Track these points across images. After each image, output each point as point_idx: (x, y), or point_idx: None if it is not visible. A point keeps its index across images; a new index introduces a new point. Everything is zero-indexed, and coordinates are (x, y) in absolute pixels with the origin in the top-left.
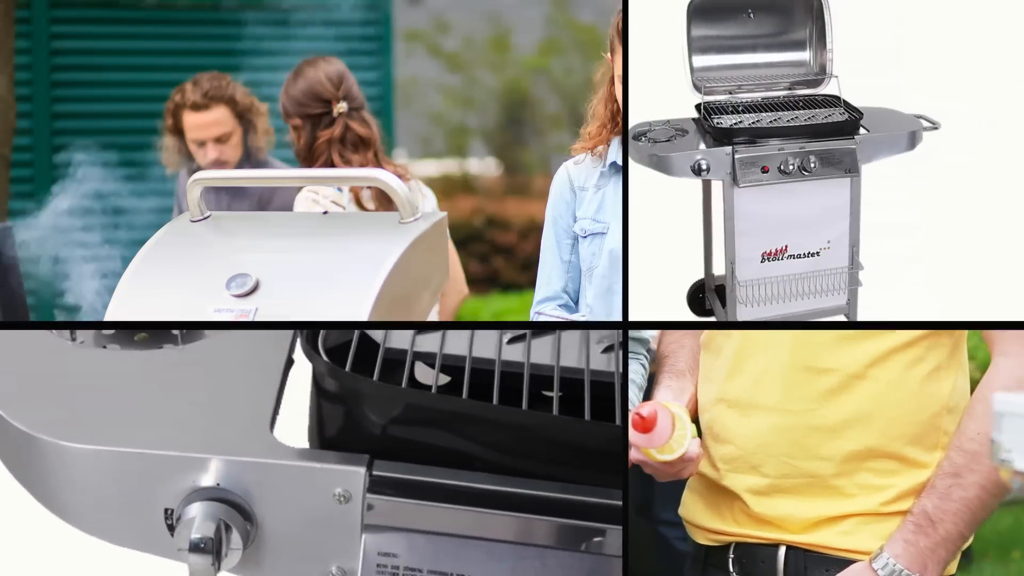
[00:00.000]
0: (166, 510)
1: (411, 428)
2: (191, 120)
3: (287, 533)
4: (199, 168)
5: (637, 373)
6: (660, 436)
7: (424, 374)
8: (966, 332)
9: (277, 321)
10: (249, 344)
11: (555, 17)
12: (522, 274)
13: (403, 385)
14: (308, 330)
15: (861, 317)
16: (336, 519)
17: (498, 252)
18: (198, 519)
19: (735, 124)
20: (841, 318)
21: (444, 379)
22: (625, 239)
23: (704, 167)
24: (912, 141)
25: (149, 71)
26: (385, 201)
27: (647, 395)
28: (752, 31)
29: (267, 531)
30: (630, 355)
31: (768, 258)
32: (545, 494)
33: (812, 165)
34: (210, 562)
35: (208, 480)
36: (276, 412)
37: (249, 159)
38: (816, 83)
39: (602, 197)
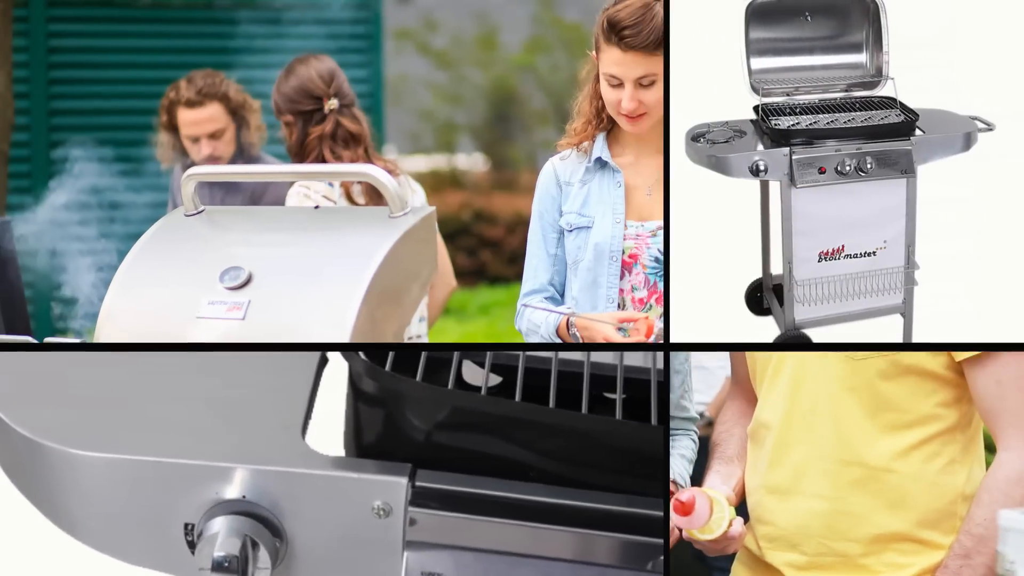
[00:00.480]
0: (186, 525)
1: (458, 434)
2: (185, 116)
3: (320, 551)
4: (193, 163)
5: (688, 448)
6: (699, 519)
7: (472, 374)
8: (981, 426)
9: (259, 343)
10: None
11: (541, 16)
12: (509, 267)
13: (449, 386)
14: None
15: (916, 316)
16: (375, 535)
17: (485, 246)
18: (221, 535)
19: (793, 125)
20: (897, 317)
21: (495, 380)
22: (667, 253)
23: (762, 168)
24: (967, 142)
25: (144, 69)
26: (375, 196)
27: (699, 477)
28: (809, 34)
29: (298, 548)
30: (681, 431)
31: (825, 258)
32: (608, 507)
33: (868, 166)
34: None
35: (233, 492)
36: (308, 416)
37: (242, 155)
38: (872, 85)
39: (587, 192)
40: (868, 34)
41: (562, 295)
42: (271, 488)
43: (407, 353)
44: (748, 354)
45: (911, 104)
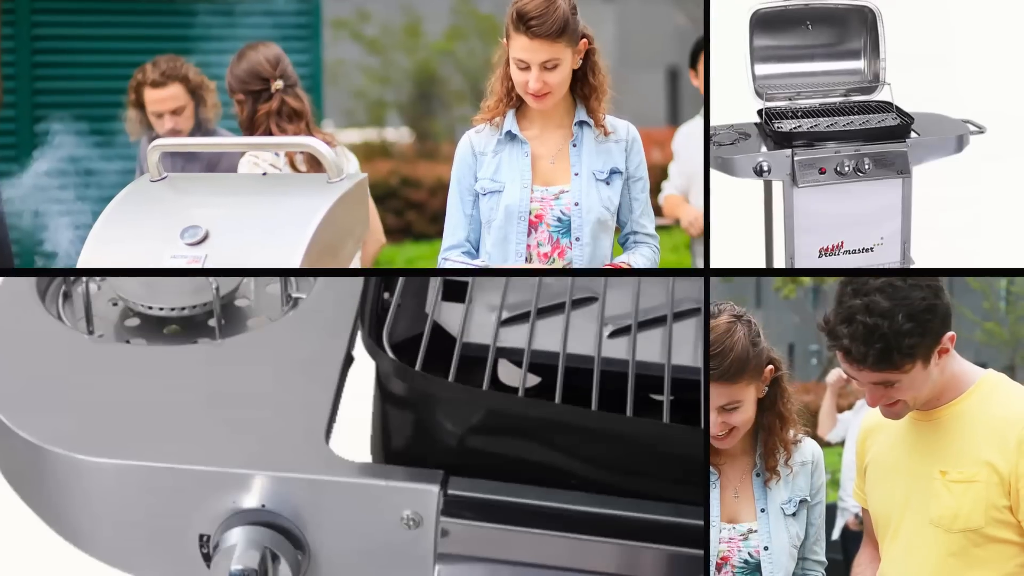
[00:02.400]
0: (201, 536)
1: (494, 439)
2: (151, 96)
3: (345, 563)
4: (157, 136)
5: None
6: None
7: (509, 374)
8: None
9: (222, 268)
10: (300, 339)
11: (459, 7)
12: (431, 226)
13: (484, 387)
14: (372, 318)
15: None
16: (404, 547)
17: (411, 207)
18: (240, 547)
19: (794, 128)
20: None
21: (533, 380)
22: (707, 195)
23: (766, 168)
24: (960, 144)
25: (116, 54)
26: (315, 164)
27: None
28: (810, 41)
29: (321, 561)
30: (812, 573)
31: (825, 253)
32: (654, 517)
33: (866, 166)
34: None
35: (251, 501)
36: (332, 420)
37: (200, 128)
38: (870, 90)
39: (499, 161)
40: (866, 42)
41: (477, 250)
42: (292, 496)
43: (439, 350)
44: (871, 513)
45: (907, 108)
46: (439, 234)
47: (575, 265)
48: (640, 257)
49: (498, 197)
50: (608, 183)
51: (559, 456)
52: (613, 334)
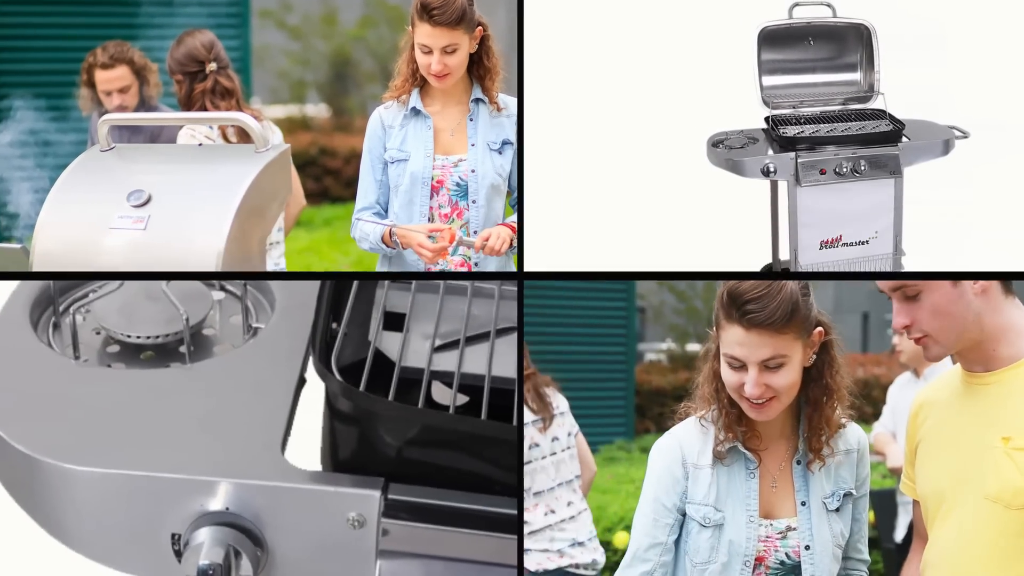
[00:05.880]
0: (173, 535)
1: (428, 450)
2: (100, 76)
3: (299, 559)
4: (106, 112)
5: None
6: None
7: (441, 394)
8: None
9: (168, 272)
10: (260, 363)
11: None
12: (346, 190)
13: (420, 405)
14: (322, 345)
15: None
16: (350, 544)
17: (328, 174)
18: (206, 544)
19: (798, 134)
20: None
21: (462, 399)
22: (521, 202)
23: (772, 169)
24: (946, 148)
25: (70, 39)
26: (244, 136)
27: None
28: (812, 55)
29: (278, 557)
30: (855, 572)
31: (825, 246)
32: None
33: (862, 168)
34: None
35: (217, 504)
36: (287, 433)
37: (143, 105)
38: (866, 99)
39: (405, 133)
40: (862, 56)
41: (386, 211)
42: (253, 501)
43: (380, 372)
44: (921, 497)
45: (899, 115)
46: (353, 197)
47: (471, 224)
48: None
49: (404, 165)
50: (500, 152)
51: (485, 465)
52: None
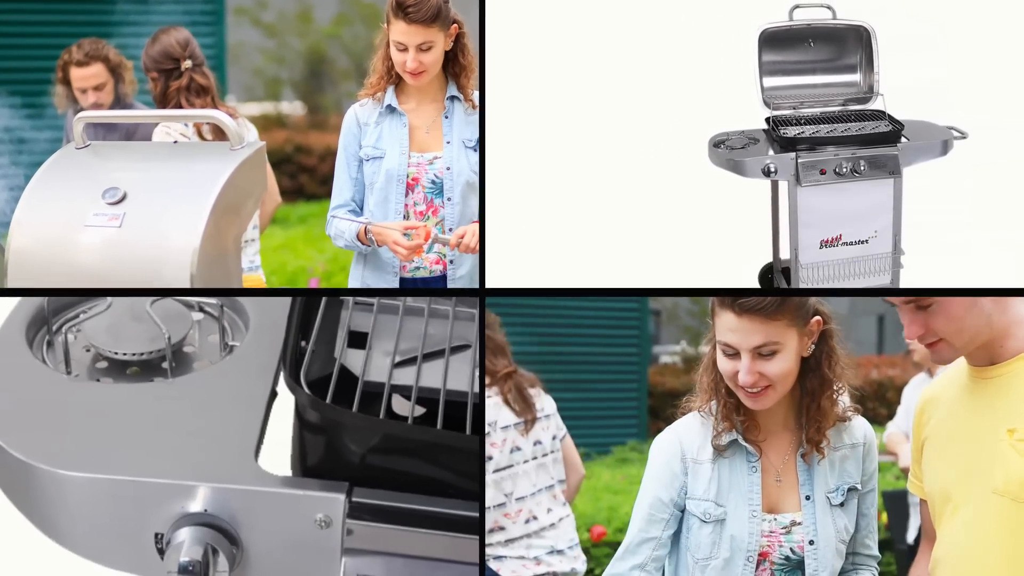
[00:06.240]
0: (156, 535)
1: (389, 457)
2: (76, 73)
3: (271, 557)
4: (82, 109)
5: None
6: None
7: (401, 406)
8: None
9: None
10: (235, 378)
11: None
12: (321, 187)
13: (381, 416)
14: (292, 361)
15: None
16: (317, 543)
17: (303, 171)
18: (187, 543)
19: (798, 134)
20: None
21: (420, 410)
22: (482, 211)
23: (772, 169)
24: (945, 148)
25: (45, 37)
26: (220, 133)
27: None
28: (812, 57)
29: (252, 555)
30: (864, 567)
31: (825, 245)
32: None
33: (862, 168)
34: None
35: (196, 506)
36: (260, 442)
37: (119, 102)
38: (865, 100)
39: (380, 131)
40: (861, 57)
41: (361, 209)
42: (229, 503)
43: (345, 386)
44: (927, 494)
45: (898, 116)
46: (328, 195)
47: (447, 222)
48: None
49: (379, 162)
50: (475, 150)
51: (440, 471)
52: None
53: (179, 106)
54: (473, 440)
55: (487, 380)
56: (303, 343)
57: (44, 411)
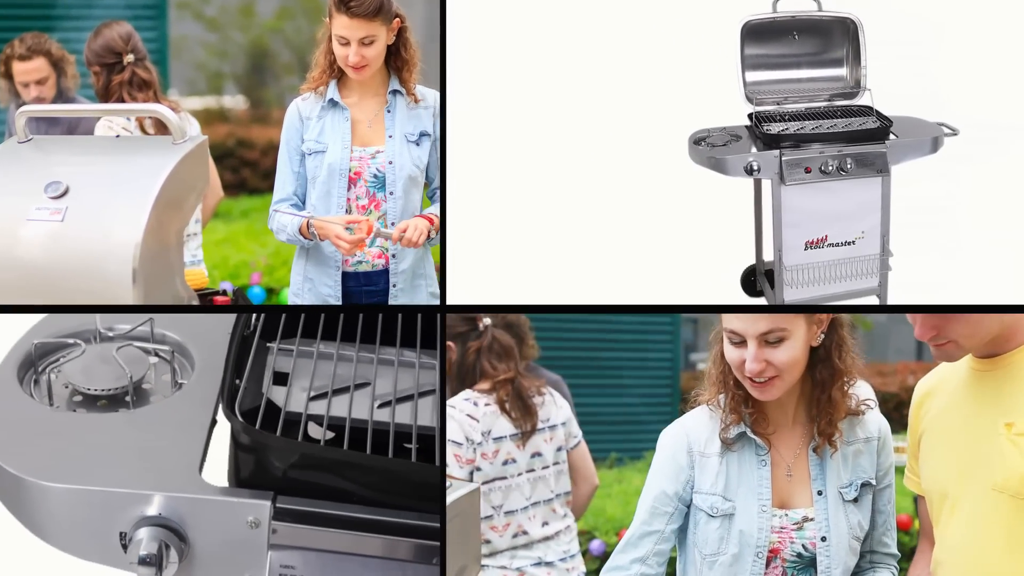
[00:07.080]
0: (121, 533)
1: (306, 471)
2: (18, 67)
3: (212, 551)
4: (24, 103)
5: None
6: None
7: (315, 431)
8: None
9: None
10: (184, 409)
11: None
12: (264, 181)
13: (299, 439)
14: (228, 395)
15: (890, 298)
16: (249, 540)
17: (246, 165)
18: (145, 540)
19: (782, 131)
20: (873, 299)
21: (330, 435)
22: (443, 217)
23: (755, 168)
24: (935, 145)
25: None
26: (162, 128)
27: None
28: (796, 51)
29: (197, 549)
30: (882, 565)
31: (811, 246)
32: (403, 520)
33: (848, 166)
34: (154, 573)
35: (152, 511)
36: (203, 459)
37: (61, 96)
38: (852, 95)
39: (322, 124)
40: (848, 51)
41: (304, 203)
42: (178, 508)
43: (271, 416)
44: (925, 491)
45: (886, 112)
46: (271, 189)
47: (388, 216)
48: None
49: (322, 156)
50: (418, 144)
51: (346, 483)
52: (381, 405)
53: (121, 100)
54: (373, 458)
55: (486, 385)
56: (237, 381)
57: (32, 435)
